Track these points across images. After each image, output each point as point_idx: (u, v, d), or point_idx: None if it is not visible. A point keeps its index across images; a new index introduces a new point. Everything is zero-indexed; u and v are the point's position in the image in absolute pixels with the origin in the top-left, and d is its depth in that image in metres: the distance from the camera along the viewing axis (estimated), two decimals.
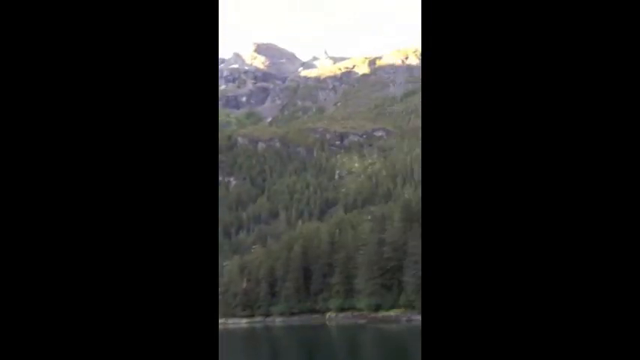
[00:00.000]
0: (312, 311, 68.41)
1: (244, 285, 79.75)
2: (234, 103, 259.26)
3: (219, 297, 65.85)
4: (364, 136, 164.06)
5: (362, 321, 57.34)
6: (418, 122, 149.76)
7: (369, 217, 77.42)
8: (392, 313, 55.97)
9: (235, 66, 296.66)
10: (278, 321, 68.74)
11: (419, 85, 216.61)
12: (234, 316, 76.12)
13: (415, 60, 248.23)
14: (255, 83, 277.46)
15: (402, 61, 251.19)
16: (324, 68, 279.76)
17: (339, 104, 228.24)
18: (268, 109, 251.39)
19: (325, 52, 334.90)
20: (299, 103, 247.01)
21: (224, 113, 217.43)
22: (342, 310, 63.89)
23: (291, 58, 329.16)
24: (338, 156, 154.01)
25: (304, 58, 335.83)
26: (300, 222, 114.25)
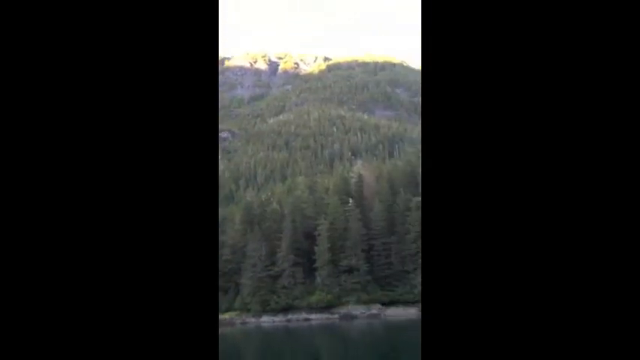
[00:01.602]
0: None
1: None
2: None
3: None
4: None
5: None
6: (264, 126, 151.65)
7: None
8: (227, 316, 55.56)
9: None
10: None
11: (266, 89, 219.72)
12: None
13: (264, 65, 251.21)
14: None
15: (251, 65, 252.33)
16: None
17: None
18: None
19: None
20: None
21: None
22: None
23: None
24: None
25: None
26: None
